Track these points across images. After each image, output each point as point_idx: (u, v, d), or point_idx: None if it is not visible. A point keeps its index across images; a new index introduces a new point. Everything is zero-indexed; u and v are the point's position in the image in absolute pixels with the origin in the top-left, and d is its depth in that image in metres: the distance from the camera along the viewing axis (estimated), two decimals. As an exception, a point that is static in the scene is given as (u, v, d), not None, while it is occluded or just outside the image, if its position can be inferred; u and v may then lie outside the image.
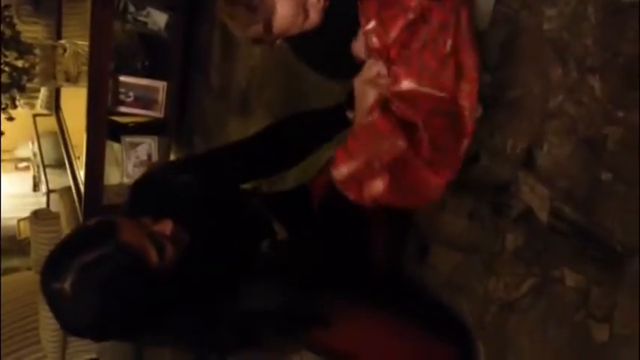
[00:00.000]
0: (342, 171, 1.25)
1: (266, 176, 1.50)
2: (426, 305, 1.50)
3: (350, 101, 1.40)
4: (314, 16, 1.32)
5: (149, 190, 1.26)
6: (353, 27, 1.34)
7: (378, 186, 1.23)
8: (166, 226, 1.08)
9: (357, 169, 1.23)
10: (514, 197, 1.30)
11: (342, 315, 1.23)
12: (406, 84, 1.20)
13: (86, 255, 0.99)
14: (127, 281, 1.00)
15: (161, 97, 3.10)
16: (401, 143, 1.20)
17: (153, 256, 1.04)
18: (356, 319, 1.25)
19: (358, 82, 1.28)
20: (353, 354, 1.23)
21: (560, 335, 1.21)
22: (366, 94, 1.25)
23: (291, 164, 1.49)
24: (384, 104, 1.23)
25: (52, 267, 1.03)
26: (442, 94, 1.19)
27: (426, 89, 1.19)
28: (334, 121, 1.41)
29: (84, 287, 0.99)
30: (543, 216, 1.24)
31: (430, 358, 1.29)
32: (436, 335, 1.30)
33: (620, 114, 1.09)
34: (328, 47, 1.39)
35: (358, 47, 1.33)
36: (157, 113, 3.14)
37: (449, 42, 1.17)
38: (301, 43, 1.41)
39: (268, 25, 1.29)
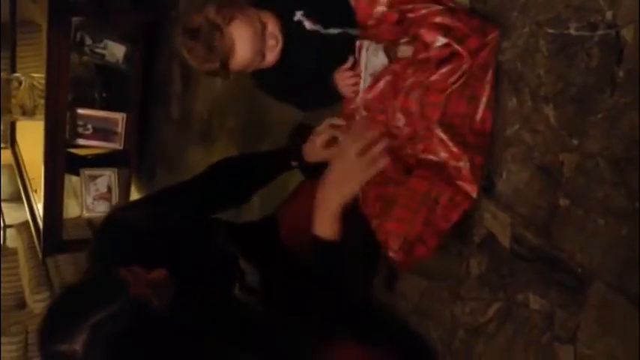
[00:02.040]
0: (402, 237, 1.27)
1: (214, 212, 1.47)
2: (395, 333, 1.51)
3: (294, 146, 1.42)
4: (270, 57, 1.37)
5: (115, 234, 1.24)
6: (316, 63, 1.37)
7: (428, 248, 1.27)
8: (161, 275, 1.07)
9: (413, 233, 1.25)
10: (477, 223, 1.33)
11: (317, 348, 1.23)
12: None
13: (98, 313, 0.96)
14: (139, 333, 0.99)
15: (120, 128, 3.07)
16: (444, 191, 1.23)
17: (156, 306, 1.02)
18: (329, 351, 1.25)
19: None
20: None
21: (527, 358, 1.24)
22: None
23: (235, 202, 1.50)
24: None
25: (57, 328, 0.99)
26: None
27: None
28: (278, 164, 1.43)
29: (97, 345, 0.96)
30: (505, 241, 1.27)
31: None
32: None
33: (575, 141, 1.13)
34: (291, 80, 1.42)
35: (342, 83, 1.39)
36: (117, 145, 3.11)
37: None
38: (262, 75, 1.43)
39: (225, 64, 1.31)
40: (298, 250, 1.46)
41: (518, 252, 1.25)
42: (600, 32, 1.08)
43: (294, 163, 1.43)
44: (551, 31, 1.16)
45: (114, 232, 1.25)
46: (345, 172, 1.15)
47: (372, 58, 1.36)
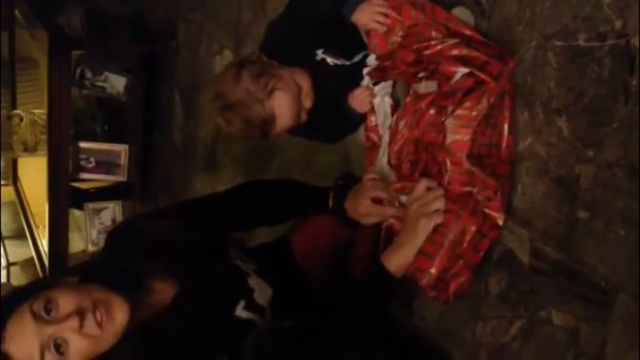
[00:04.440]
0: (429, 274, 1.24)
1: (239, 230, 1.44)
2: (419, 350, 1.49)
3: (339, 190, 1.37)
4: (304, 117, 1.36)
5: (127, 238, 1.22)
6: (340, 95, 1.39)
7: (463, 281, 1.25)
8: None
9: (440, 267, 1.23)
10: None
11: None
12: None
13: None
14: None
15: (123, 160, 3.07)
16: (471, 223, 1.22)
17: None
18: None
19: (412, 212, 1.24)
20: None
21: (553, 376, 1.21)
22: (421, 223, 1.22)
23: (265, 224, 1.48)
24: None
25: None
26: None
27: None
28: (316, 204, 1.40)
29: None
30: (524, 257, 1.25)
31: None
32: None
33: (590, 153, 1.11)
34: (319, 119, 1.42)
35: (357, 102, 1.39)
36: (120, 177, 3.10)
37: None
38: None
39: (266, 134, 1.30)
40: (311, 270, 1.45)
41: (538, 267, 1.23)
42: (610, 42, 1.07)
43: (332, 209, 1.38)
44: (559, 43, 1.15)
45: (124, 235, 1.23)
46: (415, 227, 1.23)
47: (380, 105, 1.37)
